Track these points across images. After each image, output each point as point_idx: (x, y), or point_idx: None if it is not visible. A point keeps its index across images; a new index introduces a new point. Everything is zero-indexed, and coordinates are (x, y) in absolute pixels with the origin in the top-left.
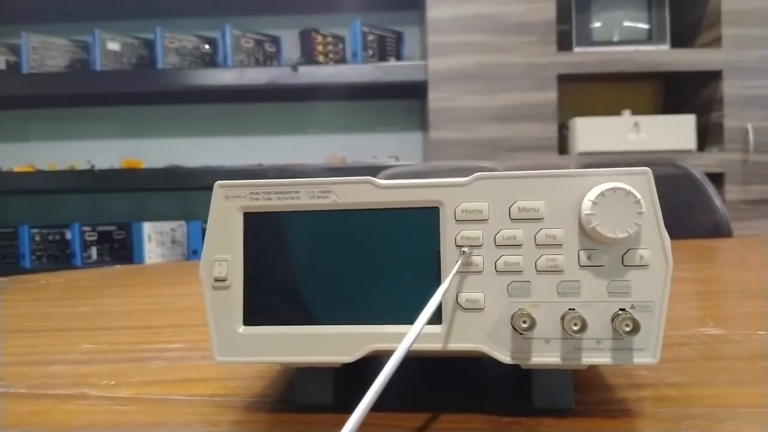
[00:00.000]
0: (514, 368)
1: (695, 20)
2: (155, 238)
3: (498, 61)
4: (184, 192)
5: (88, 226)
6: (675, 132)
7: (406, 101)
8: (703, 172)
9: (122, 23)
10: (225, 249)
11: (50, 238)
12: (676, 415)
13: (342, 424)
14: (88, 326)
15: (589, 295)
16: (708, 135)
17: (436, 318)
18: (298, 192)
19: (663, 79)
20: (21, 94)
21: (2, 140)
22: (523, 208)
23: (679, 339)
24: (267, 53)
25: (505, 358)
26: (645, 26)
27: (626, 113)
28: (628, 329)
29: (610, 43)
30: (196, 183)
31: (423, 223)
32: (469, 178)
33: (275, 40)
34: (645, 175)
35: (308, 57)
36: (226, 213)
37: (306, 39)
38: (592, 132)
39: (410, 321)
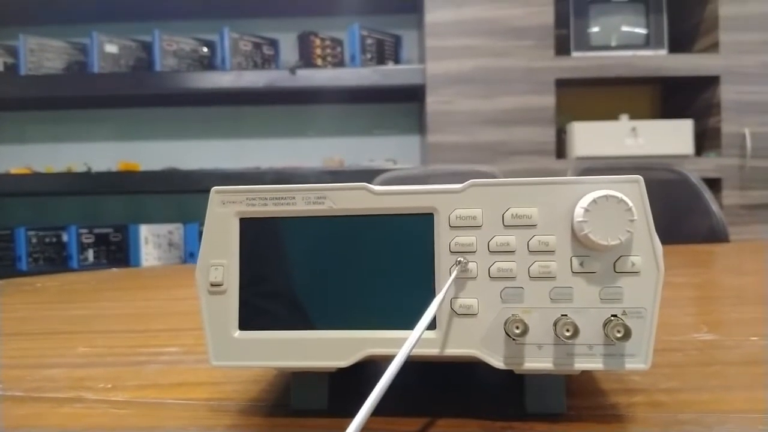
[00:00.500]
0: (508, 373)
1: (693, 25)
2: (152, 241)
3: (496, 65)
4: (181, 195)
5: (84, 229)
6: (672, 137)
7: (404, 105)
8: (701, 177)
9: (120, 25)
10: (221, 254)
11: (47, 240)
12: (667, 420)
13: (337, 428)
14: (84, 329)
15: (581, 301)
16: (705, 140)
17: (431, 323)
18: (293, 198)
19: (661, 84)
20: (18, 96)
21: None
22: (517, 214)
23: (673, 344)
24: (265, 56)
25: (498, 363)
26: (643, 31)
27: (624, 118)
28: (619, 335)
29: (608, 47)
30: (193, 186)
31: (417, 229)
32: (463, 184)
33: (273, 43)
34: (637, 183)
35: (306, 60)
36: (223, 218)
37: (304, 42)
38: (589, 136)
39: (405, 326)
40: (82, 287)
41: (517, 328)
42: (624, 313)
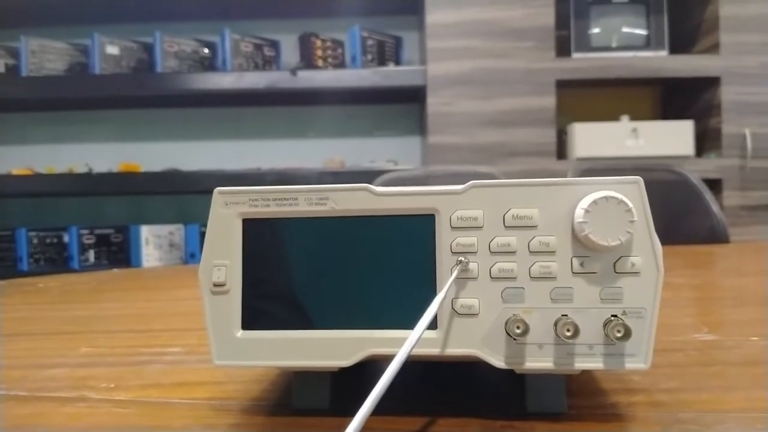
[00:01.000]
0: (509, 373)
1: (693, 26)
2: (153, 242)
3: (497, 67)
4: (182, 195)
5: (85, 230)
6: (673, 138)
7: (404, 106)
8: (701, 177)
9: (121, 27)
10: (224, 254)
11: (48, 241)
12: (667, 420)
13: (338, 427)
14: (86, 330)
15: (581, 301)
16: (706, 141)
17: (432, 323)
18: (296, 198)
19: (661, 85)
20: (20, 97)
21: (1, 143)
22: (518, 215)
23: (673, 345)
24: (266, 57)
25: (499, 363)
26: (643, 32)
27: (624, 119)
28: (619, 335)
29: (608, 48)
30: (194, 187)
31: (419, 229)
32: (464, 186)
33: (274, 45)
34: (637, 184)
35: (307, 61)
36: (226, 219)
37: (305, 43)
38: (590, 137)
39: (406, 326)
40: (83, 288)
41: (518, 327)
42: (624, 313)
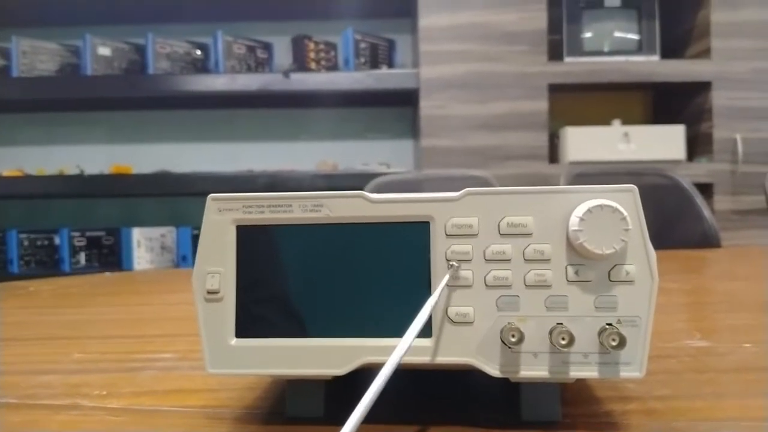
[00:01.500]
0: (503, 381)
1: (685, 32)
2: (144, 244)
3: (489, 70)
4: (174, 198)
5: (76, 232)
6: (664, 142)
7: (397, 109)
8: (692, 182)
9: (113, 28)
10: (218, 261)
11: (38, 243)
12: (661, 428)
13: None
14: (78, 335)
15: (576, 309)
16: (697, 145)
17: (426, 331)
18: (290, 205)
19: (653, 89)
20: (10, 98)
21: None
22: (512, 223)
23: (666, 351)
24: (259, 59)
25: (494, 371)
26: (635, 37)
27: (616, 123)
28: (614, 343)
29: (600, 53)
30: (186, 189)
31: (414, 237)
32: (459, 193)
33: (267, 47)
34: (631, 192)
35: (300, 64)
36: (219, 226)
37: (298, 46)
38: (582, 141)
39: (401, 334)
40: (75, 291)
41: (513, 336)
42: (619, 322)
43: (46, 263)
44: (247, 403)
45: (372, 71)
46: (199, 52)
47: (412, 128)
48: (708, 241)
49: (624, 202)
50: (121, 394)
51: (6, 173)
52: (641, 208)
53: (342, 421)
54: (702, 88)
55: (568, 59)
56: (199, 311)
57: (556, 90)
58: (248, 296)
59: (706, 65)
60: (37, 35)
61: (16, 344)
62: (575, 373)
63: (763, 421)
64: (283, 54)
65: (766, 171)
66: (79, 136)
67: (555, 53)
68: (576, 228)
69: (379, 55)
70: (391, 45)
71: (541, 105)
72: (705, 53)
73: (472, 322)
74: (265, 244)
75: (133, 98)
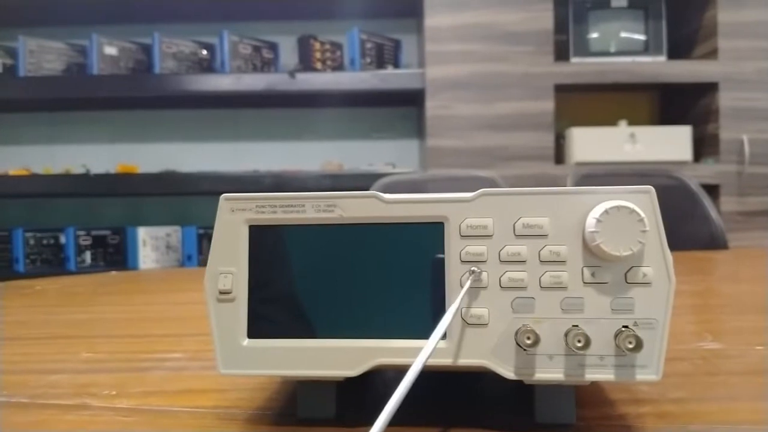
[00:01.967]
0: (517, 383)
1: (692, 32)
2: (150, 243)
3: (495, 71)
4: (180, 197)
5: (82, 231)
6: (671, 143)
7: (403, 109)
8: (699, 183)
9: (120, 28)
10: (230, 262)
11: (44, 242)
12: None
13: None
14: (86, 334)
15: (592, 311)
16: (704, 146)
17: (442, 334)
18: (303, 206)
19: (659, 90)
20: (17, 98)
21: None
22: (528, 224)
23: (679, 353)
24: (264, 59)
25: (509, 373)
26: (642, 38)
27: (622, 124)
28: (631, 346)
29: (607, 53)
30: (192, 188)
31: (428, 237)
32: (474, 193)
33: (273, 47)
34: (649, 193)
35: (306, 64)
36: (232, 226)
37: (304, 46)
38: (588, 142)
39: (414, 335)
40: (81, 290)
41: (528, 338)
42: (635, 324)
43: (51, 262)
44: (258, 403)
45: (378, 71)
46: (205, 52)
47: (417, 128)
48: (715, 242)
49: (641, 204)
50: (130, 395)
51: (12, 172)
52: (659, 209)
53: (353, 423)
54: (709, 88)
55: (574, 59)
56: (211, 311)
57: (562, 90)
58: (261, 296)
59: (713, 66)
60: (44, 35)
61: (24, 343)
62: (591, 375)
63: None
64: (288, 54)
65: None
66: (85, 135)
67: (561, 53)
68: (593, 229)
69: (384, 55)
70: (396, 45)
71: (548, 105)
72: (712, 54)
73: (487, 324)
74: (277, 245)
75: (139, 98)
